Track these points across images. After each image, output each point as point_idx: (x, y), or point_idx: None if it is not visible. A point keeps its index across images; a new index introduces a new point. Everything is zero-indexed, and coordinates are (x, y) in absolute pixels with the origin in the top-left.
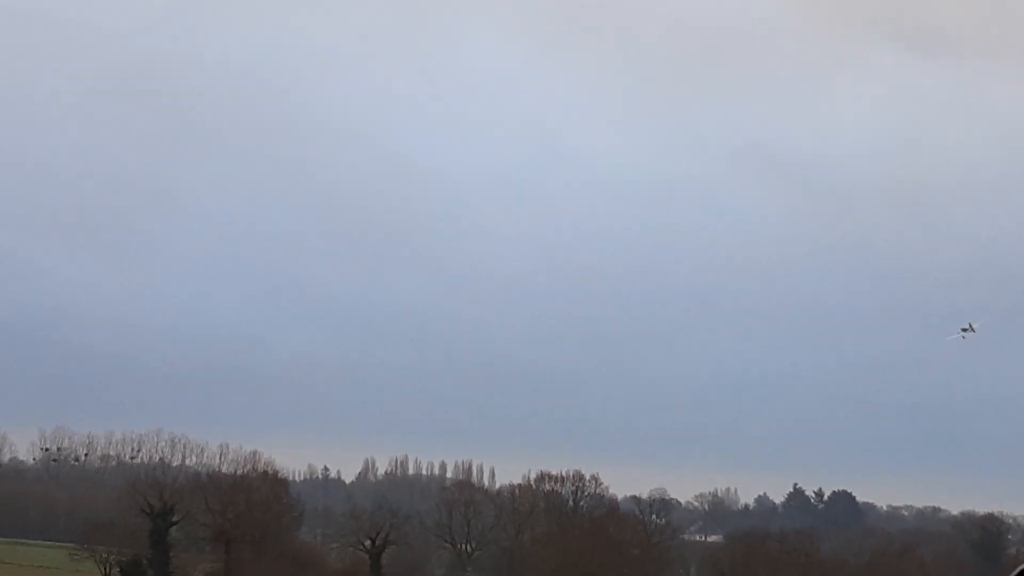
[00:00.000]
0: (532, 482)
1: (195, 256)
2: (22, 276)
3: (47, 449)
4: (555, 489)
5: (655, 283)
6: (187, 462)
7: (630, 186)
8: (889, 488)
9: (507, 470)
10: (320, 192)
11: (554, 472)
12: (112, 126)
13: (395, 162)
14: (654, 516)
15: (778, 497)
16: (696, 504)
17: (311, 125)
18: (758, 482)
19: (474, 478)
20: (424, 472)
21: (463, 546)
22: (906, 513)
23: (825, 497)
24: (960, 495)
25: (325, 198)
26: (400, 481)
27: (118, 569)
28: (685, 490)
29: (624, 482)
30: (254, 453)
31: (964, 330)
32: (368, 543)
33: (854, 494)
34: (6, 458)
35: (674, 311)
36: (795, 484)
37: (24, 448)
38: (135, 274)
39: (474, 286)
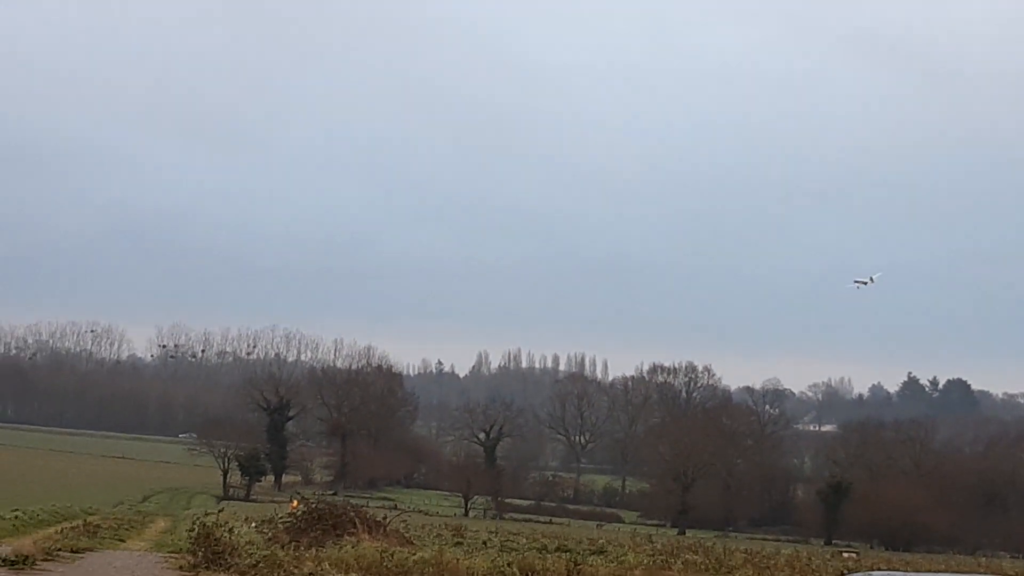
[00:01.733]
0: (645, 374)
1: (310, 154)
2: (139, 177)
3: (164, 346)
4: (668, 381)
5: (768, 176)
6: (302, 357)
7: (743, 78)
8: (1005, 376)
9: (620, 362)
10: (434, 89)
11: (667, 364)
12: (227, 26)
13: (509, 58)
14: (767, 406)
15: (892, 386)
16: (809, 394)
17: (424, 22)
18: (872, 371)
19: (587, 370)
20: (537, 365)
21: (577, 438)
22: (1022, 400)
23: (940, 386)
24: None
25: (439, 95)
26: (513, 374)
27: (236, 463)
28: (798, 380)
29: (737, 373)
30: (368, 348)
31: (862, 282)
32: (482, 436)
33: (969, 382)
34: (124, 355)
35: (789, 204)
36: (909, 373)
37: (142, 345)
38: (251, 173)
39: (587, 181)
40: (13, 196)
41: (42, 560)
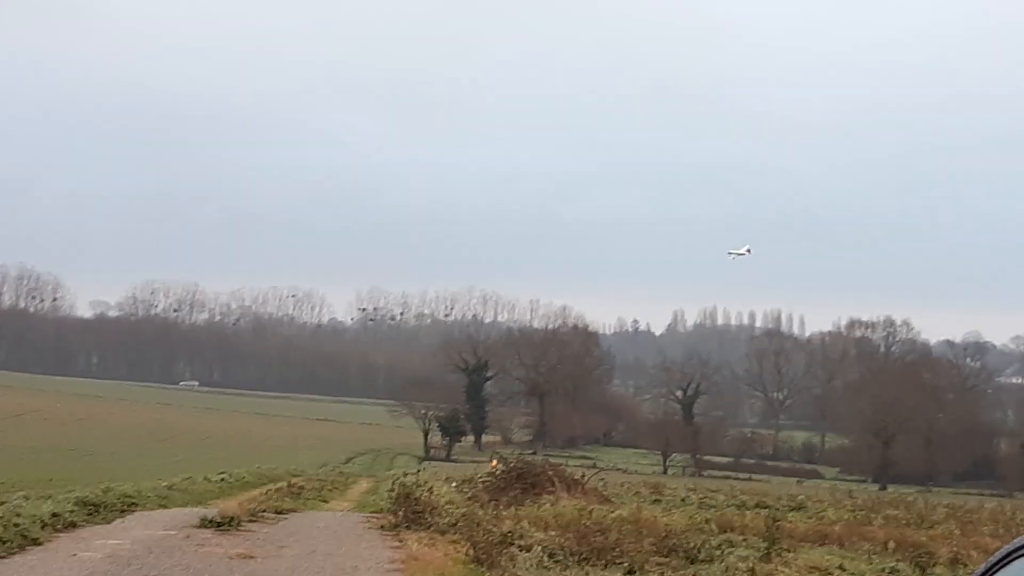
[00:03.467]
0: (843, 329)
1: (505, 114)
2: (339, 141)
3: (364, 309)
4: (866, 335)
5: (970, 121)
6: (499, 318)
7: (936, 15)
8: None
9: (817, 318)
10: (627, 47)
11: (865, 318)
12: None
13: (696, 15)
14: (968, 360)
15: None
16: (1012, 346)
17: None
18: None
19: (784, 326)
20: (733, 322)
21: (774, 394)
22: None
23: None
24: None
25: (632, 53)
26: (709, 332)
27: (436, 424)
28: (1000, 333)
29: (937, 326)
30: (564, 308)
31: (737, 253)
32: (680, 393)
33: None
34: (325, 318)
35: (992, 147)
36: None
37: (341, 309)
38: (447, 134)
39: (782, 136)
40: (217, 164)
41: (247, 521)
